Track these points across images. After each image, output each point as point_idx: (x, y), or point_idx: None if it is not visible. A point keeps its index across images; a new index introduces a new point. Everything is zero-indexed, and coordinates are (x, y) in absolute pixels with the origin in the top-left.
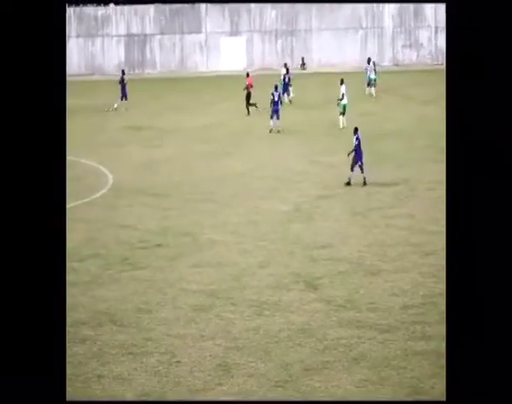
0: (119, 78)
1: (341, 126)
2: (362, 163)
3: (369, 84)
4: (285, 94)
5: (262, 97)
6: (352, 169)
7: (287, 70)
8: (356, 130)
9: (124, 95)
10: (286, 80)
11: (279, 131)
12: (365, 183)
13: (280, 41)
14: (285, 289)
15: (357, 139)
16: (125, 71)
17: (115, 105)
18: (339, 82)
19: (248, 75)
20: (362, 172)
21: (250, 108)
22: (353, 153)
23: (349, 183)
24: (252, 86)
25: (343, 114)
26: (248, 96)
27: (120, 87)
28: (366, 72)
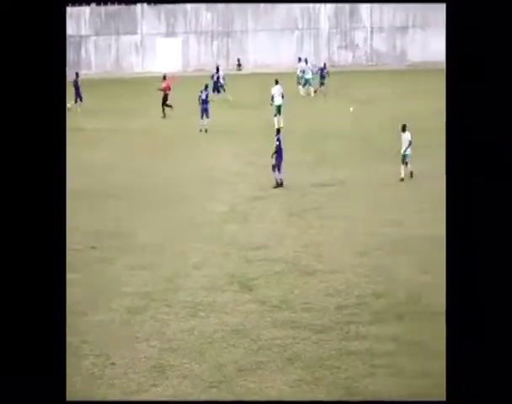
0: (72, 81)
1: (276, 127)
2: (280, 164)
3: (304, 84)
4: (215, 93)
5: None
6: (274, 170)
7: (217, 69)
8: (278, 131)
9: (78, 96)
10: (215, 79)
11: (206, 130)
12: (280, 185)
13: (215, 42)
14: (220, 291)
15: (278, 140)
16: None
17: (68, 105)
18: (274, 83)
19: (164, 77)
20: (279, 173)
21: (165, 110)
22: (275, 154)
23: (277, 185)
24: (169, 88)
25: (278, 114)
26: (165, 98)
27: (74, 89)
28: (302, 72)
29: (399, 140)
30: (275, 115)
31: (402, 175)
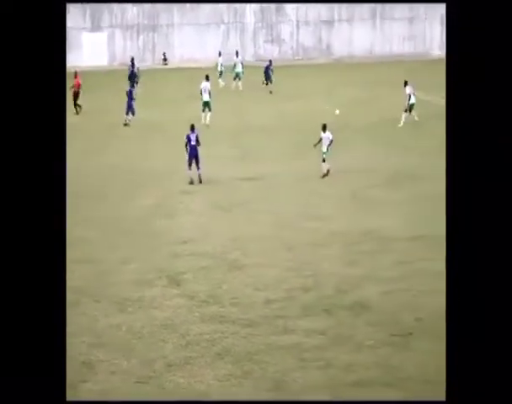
0: None
1: (203, 122)
2: (192, 161)
3: (235, 78)
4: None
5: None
6: (189, 167)
7: (132, 64)
8: (192, 127)
9: None
10: (129, 72)
11: (127, 124)
12: (199, 181)
13: (141, 37)
14: (148, 285)
15: (187, 137)
16: None
17: None
18: (205, 79)
19: (75, 74)
20: (190, 170)
21: (78, 108)
22: (189, 151)
23: (192, 182)
24: (80, 85)
25: (207, 110)
26: (76, 95)
27: None
28: (233, 66)
29: (318, 138)
30: (203, 111)
31: (324, 171)
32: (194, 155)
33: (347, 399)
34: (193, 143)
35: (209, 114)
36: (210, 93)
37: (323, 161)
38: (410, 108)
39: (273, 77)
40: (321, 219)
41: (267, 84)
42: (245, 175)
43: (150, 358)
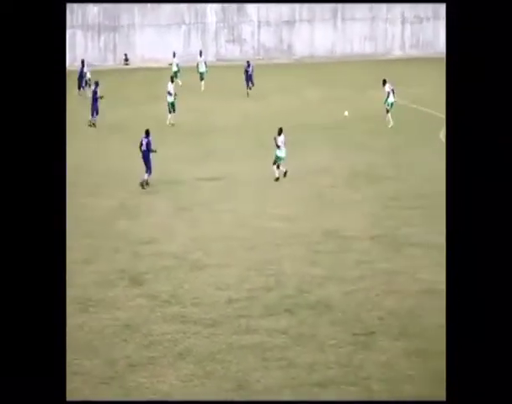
0: None
1: (167, 123)
2: (148, 164)
3: (201, 79)
4: (81, 89)
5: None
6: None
7: (83, 65)
8: (147, 132)
9: None
10: (78, 74)
11: (93, 124)
12: (146, 184)
13: (102, 37)
14: (111, 286)
15: (141, 141)
16: None
17: None
18: (170, 80)
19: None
20: (147, 172)
21: None
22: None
23: (145, 184)
24: None
25: (172, 111)
26: None
27: None
28: (197, 66)
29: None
30: (169, 112)
31: (277, 175)
32: (143, 159)
33: (309, 399)
34: (143, 149)
35: (173, 114)
36: (175, 94)
37: (274, 163)
38: (390, 106)
39: (254, 80)
40: (282, 219)
41: (250, 88)
42: (207, 175)
43: (112, 359)
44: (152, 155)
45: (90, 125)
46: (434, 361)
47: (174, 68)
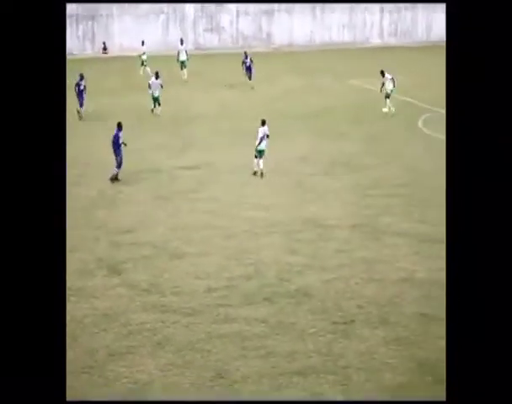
0: None
1: (153, 113)
2: (118, 158)
3: (182, 67)
4: None
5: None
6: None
7: None
8: (119, 125)
9: None
10: None
11: (79, 115)
12: (116, 179)
13: (81, 26)
14: (90, 275)
15: (117, 136)
16: None
17: None
18: (154, 75)
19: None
20: (118, 168)
21: None
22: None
23: (114, 178)
24: None
25: (158, 104)
26: None
27: None
28: (177, 54)
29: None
30: (154, 106)
31: (256, 168)
32: (114, 153)
33: (288, 387)
34: (114, 141)
35: (158, 108)
36: (160, 87)
37: (256, 157)
38: (387, 94)
39: (254, 72)
40: (262, 207)
41: (250, 79)
42: (187, 164)
43: (92, 348)
44: (122, 148)
45: (80, 116)
46: (414, 349)
47: (143, 56)
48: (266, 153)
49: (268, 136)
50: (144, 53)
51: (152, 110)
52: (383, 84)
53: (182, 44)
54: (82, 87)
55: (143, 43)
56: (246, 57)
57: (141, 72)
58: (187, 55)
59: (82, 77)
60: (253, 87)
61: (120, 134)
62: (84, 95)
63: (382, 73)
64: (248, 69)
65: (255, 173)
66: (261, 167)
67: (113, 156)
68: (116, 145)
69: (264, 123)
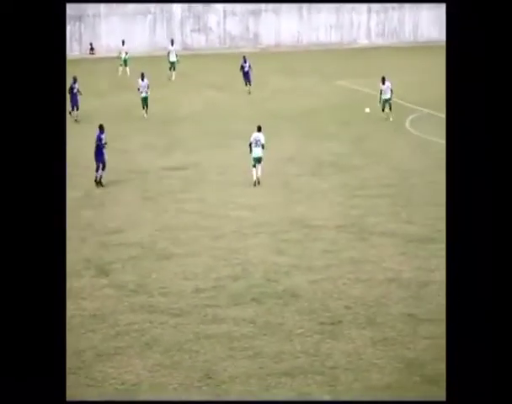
0: None
1: (142, 114)
2: (100, 163)
3: (170, 68)
4: None
5: None
6: (97, 170)
7: None
8: (101, 127)
9: None
10: None
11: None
12: (100, 183)
13: (68, 27)
14: (77, 276)
15: (98, 138)
16: None
17: None
18: (140, 77)
19: None
20: (102, 170)
21: None
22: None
23: (99, 183)
24: None
25: (146, 106)
26: None
27: None
28: (168, 55)
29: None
30: (143, 108)
31: (255, 178)
32: (99, 159)
33: (276, 387)
34: (97, 144)
35: (147, 111)
36: (148, 88)
37: (254, 166)
38: (384, 103)
39: (252, 77)
40: (249, 208)
41: (247, 85)
42: (174, 164)
43: (79, 349)
44: (105, 151)
45: (76, 120)
46: (402, 349)
47: (123, 56)
48: (263, 160)
49: (263, 146)
50: (126, 53)
51: (145, 111)
52: (381, 92)
53: (172, 44)
54: (75, 90)
55: (123, 42)
56: (245, 62)
57: (120, 73)
58: (177, 56)
59: (75, 80)
60: (250, 93)
61: (102, 136)
62: (78, 98)
63: (383, 80)
64: (246, 74)
65: (255, 184)
66: (259, 174)
67: (108, 155)
68: (98, 147)
69: (259, 129)
